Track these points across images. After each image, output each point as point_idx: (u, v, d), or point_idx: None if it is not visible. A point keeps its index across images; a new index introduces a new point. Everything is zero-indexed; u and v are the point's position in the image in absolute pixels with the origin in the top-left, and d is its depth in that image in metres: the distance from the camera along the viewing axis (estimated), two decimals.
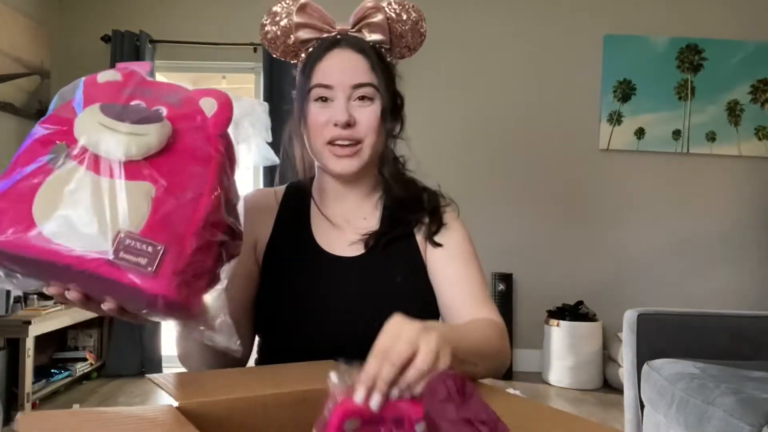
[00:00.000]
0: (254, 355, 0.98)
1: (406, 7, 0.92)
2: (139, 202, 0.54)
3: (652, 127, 3.66)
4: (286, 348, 0.88)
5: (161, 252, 0.53)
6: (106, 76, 0.63)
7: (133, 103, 0.60)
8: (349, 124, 0.86)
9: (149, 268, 0.52)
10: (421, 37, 0.96)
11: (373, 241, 0.91)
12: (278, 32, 0.91)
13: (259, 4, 3.12)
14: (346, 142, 0.87)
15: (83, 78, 0.63)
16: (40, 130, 0.59)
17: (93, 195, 0.53)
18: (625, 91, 3.66)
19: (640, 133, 3.66)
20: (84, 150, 0.55)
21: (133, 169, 0.55)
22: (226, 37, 3.56)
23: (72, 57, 3.63)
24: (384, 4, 0.91)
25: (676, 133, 3.66)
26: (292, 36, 0.91)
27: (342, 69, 0.87)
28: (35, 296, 2.91)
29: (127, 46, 3.51)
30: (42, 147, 0.57)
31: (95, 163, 0.55)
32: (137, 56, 3.53)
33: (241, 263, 0.89)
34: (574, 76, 3.70)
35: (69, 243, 0.52)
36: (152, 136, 0.57)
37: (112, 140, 0.55)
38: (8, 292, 2.71)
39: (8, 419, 2.60)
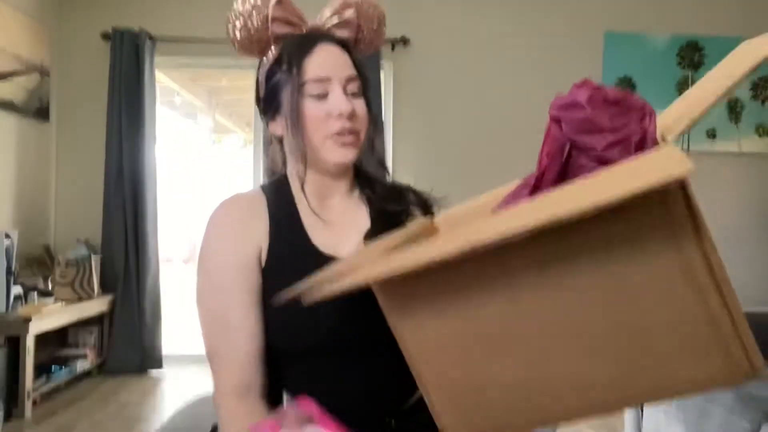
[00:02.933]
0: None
1: (373, 4, 0.94)
2: None
3: None
4: (289, 352, 0.86)
5: None
6: None
7: None
8: (353, 115, 0.86)
9: None
10: (382, 35, 0.98)
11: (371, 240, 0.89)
12: (251, 28, 0.91)
13: None
14: (348, 133, 0.86)
15: None
16: None
17: None
18: (626, 89, 3.65)
19: None
20: None
21: None
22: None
23: (72, 55, 3.63)
24: (353, 1, 0.93)
25: None
26: (267, 31, 0.90)
27: (335, 61, 0.88)
28: (35, 294, 2.92)
29: (127, 44, 3.51)
30: None
31: None
32: (137, 54, 3.52)
33: (250, 280, 0.84)
34: (575, 74, 3.66)
35: None
36: None
37: None
38: (8, 289, 2.72)
39: (9, 416, 2.60)
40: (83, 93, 3.62)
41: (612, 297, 0.44)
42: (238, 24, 0.91)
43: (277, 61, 0.90)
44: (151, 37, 3.55)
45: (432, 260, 0.45)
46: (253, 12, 0.90)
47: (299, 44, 0.88)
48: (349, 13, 0.92)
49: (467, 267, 0.47)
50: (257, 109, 0.99)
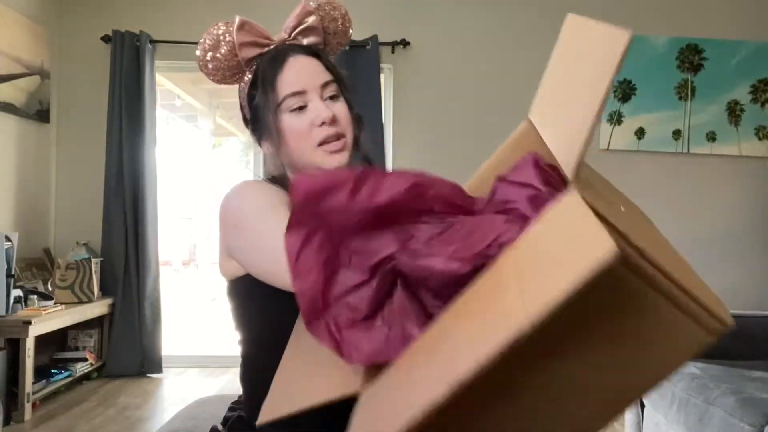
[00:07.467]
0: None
1: (333, 5, 0.96)
2: None
3: (652, 127, 3.65)
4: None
5: None
6: None
7: None
8: (334, 120, 0.87)
9: None
10: (349, 31, 0.99)
11: None
12: (221, 58, 0.92)
13: (261, 5, 3.11)
14: (334, 139, 0.88)
15: None
16: None
17: None
18: (626, 91, 3.66)
19: (640, 133, 3.66)
20: None
21: None
22: None
23: (72, 57, 3.64)
24: (313, 7, 0.94)
25: (677, 133, 3.65)
26: (236, 58, 0.92)
27: (306, 73, 0.89)
28: (35, 296, 2.92)
29: (128, 47, 3.51)
30: None
31: None
32: (138, 56, 3.52)
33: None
34: None
35: None
36: None
37: None
38: (8, 292, 2.71)
39: (8, 419, 2.60)
40: (84, 96, 3.62)
41: (605, 367, 0.42)
42: (208, 57, 0.93)
43: (253, 84, 0.92)
44: (151, 40, 3.55)
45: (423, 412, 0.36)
46: (220, 42, 0.92)
47: (270, 63, 0.90)
48: (312, 20, 0.93)
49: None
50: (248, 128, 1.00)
